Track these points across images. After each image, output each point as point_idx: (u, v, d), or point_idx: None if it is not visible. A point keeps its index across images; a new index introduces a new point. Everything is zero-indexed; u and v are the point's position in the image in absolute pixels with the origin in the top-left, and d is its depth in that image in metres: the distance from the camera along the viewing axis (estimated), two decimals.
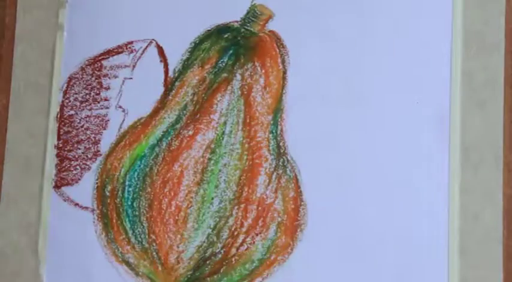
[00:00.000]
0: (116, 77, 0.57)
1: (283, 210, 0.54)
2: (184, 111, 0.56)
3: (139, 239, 0.55)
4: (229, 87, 0.55)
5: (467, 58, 0.52)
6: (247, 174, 0.54)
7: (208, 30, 0.56)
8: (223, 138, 0.55)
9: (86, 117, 0.57)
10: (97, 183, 0.57)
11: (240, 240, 0.54)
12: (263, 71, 0.55)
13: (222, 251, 0.54)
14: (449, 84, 0.52)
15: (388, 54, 0.53)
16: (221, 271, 0.53)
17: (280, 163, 0.54)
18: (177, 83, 0.56)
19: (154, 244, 0.55)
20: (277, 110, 0.55)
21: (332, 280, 0.52)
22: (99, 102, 0.57)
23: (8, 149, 0.56)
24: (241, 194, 0.54)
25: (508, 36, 0.52)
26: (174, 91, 0.56)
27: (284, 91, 0.55)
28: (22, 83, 0.56)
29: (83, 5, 0.57)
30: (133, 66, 0.57)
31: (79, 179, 0.58)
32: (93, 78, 0.57)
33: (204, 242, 0.54)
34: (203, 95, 0.56)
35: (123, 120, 0.57)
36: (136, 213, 0.56)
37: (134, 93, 0.57)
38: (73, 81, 0.57)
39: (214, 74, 0.56)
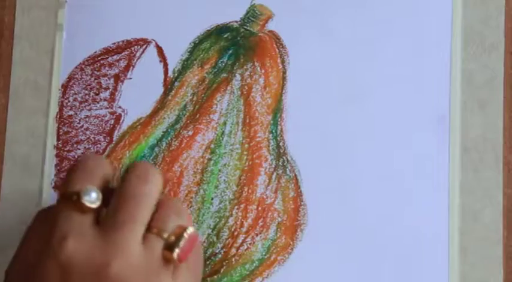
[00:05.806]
0: (115, 77, 0.56)
1: (283, 210, 0.54)
2: (184, 112, 0.56)
3: None
4: (228, 87, 0.55)
5: (467, 58, 0.52)
6: (247, 174, 0.54)
7: (207, 30, 0.56)
8: (223, 139, 0.55)
9: (85, 118, 0.57)
10: None
11: (240, 241, 0.54)
12: (263, 71, 0.55)
13: (221, 251, 0.54)
14: (449, 84, 0.52)
15: (387, 54, 0.53)
16: (221, 271, 0.53)
17: (280, 163, 0.54)
18: (176, 83, 0.56)
19: None
20: (276, 110, 0.55)
21: (332, 280, 0.52)
22: (98, 103, 0.57)
23: (7, 149, 0.56)
24: (241, 194, 0.54)
25: (508, 36, 0.52)
26: (173, 91, 0.56)
27: (284, 91, 0.55)
28: (21, 83, 0.56)
29: (82, 5, 0.57)
30: (133, 66, 0.56)
31: None
32: (93, 79, 0.57)
33: (203, 242, 0.54)
34: (203, 95, 0.56)
35: (123, 120, 0.56)
36: None
37: (134, 94, 0.57)
38: (72, 81, 0.57)
39: (214, 74, 0.56)
